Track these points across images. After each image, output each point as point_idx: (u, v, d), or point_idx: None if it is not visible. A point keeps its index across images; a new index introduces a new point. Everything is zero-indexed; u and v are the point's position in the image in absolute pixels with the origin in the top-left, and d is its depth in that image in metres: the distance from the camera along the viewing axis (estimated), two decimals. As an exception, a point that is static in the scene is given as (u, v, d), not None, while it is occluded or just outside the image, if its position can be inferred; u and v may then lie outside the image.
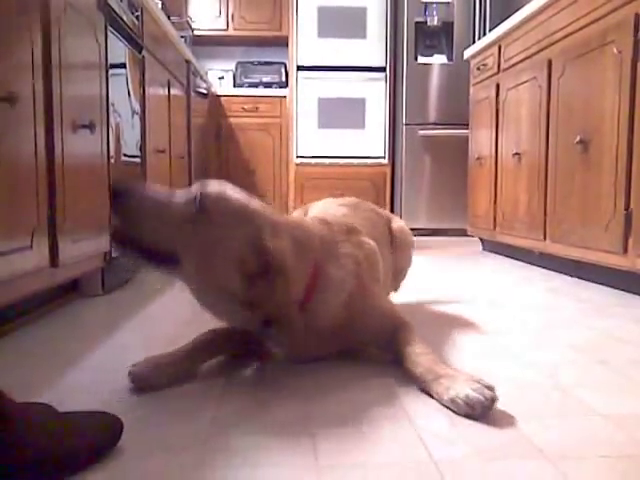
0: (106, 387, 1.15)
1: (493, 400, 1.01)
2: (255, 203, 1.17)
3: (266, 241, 1.09)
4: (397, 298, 1.99)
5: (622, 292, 2.29)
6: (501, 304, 2.12)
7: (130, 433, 0.94)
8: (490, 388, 1.02)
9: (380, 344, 1.33)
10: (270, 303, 1.09)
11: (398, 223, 1.82)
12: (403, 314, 1.37)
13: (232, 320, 1.23)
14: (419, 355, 1.17)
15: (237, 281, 1.08)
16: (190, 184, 4.09)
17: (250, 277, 1.08)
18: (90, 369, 1.31)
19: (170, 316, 1.89)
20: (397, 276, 1.80)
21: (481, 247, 4.01)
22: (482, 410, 1.00)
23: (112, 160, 2.21)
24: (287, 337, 1.21)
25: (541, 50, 2.87)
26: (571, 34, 2.56)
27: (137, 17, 2.66)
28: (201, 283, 1.13)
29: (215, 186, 1.13)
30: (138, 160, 2.65)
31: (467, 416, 1.00)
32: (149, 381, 1.14)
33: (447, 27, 4.91)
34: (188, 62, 4.09)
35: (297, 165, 5.21)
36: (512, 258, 3.43)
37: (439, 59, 4.98)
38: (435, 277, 2.86)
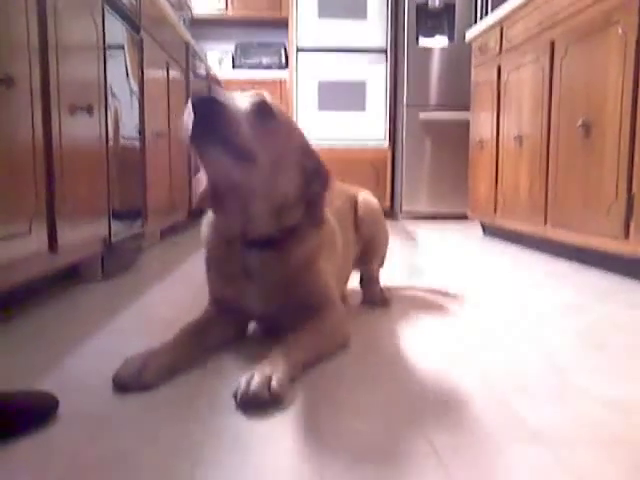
0: (105, 372, 1.14)
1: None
2: None
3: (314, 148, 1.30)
4: (394, 282, 1.99)
5: (623, 277, 2.28)
6: (500, 288, 2.12)
7: (125, 422, 0.94)
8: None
9: (301, 314, 1.30)
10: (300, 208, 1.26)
11: (362, 196, 1.80)
12: (336, 301, 1.37)
13: (250, 222, 1.25)
14: (288, 345, 1.16)
15: (297, 179, 1.25)
16: (190, 167, 4.02)
17: (307, 177, 1.26)
18: (89, 355, 1.31)
19: (169, 301, 1.89)
20: (370, 250, 1.78)
21: (482, 231, 4.00)
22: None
23: (111, 143, 2.19)
24: (265, 269, 1.28)
25: (544, 31, 2.84)
26: (575, 15, 2.53)
27: (135, -2, 2.62)
28: (270, 180, 1.20)
29: (264, 95, 1.22)
30: (137, 143, 2.63)
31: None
32: (139, 380, 1.07)
33: (449, 8, 4.86)
34: (187, 43, 4.05)
35: (297, 148, 5.17)
36: (513, 242, 3.42)
37: (440, 41, 4.93)
38: (434, 261, 2.85)
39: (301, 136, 1.29)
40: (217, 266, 1.36)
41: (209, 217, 1.35)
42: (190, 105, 1.06)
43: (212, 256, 1.37)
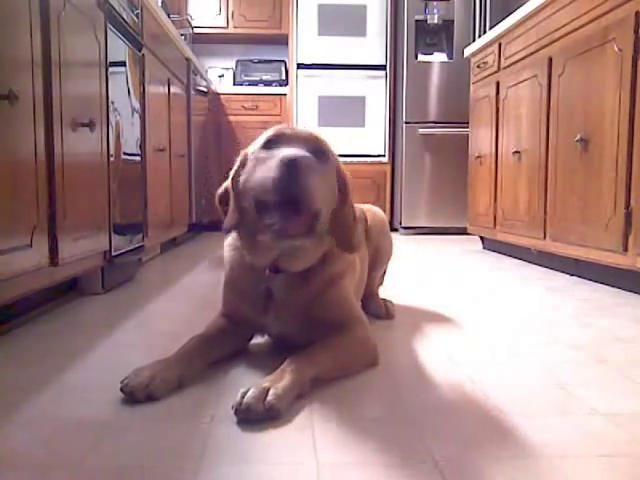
0: (106, 384, 1.15)
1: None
2: None
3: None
4: (396, 295, 1.99)
5: (622, 291, 2.29)
6: (501, 303, 2.12)
7: (127, 432, 0.94)
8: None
9: (323, 332, 1.29)
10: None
11: (369, 207, 1.83)
12: (360, 317, 1.36)
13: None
14: (299, 359, 1.14)
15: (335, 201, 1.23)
16: (190, 183, 4.05)
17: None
18: (90, 368, 1.31)
19: (169, 314, 1.89)
20: (376, 259, 1.78)
21: (481, 245, 4.01)
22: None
23: (112, 158, 2.21)
24: (289, 292, 1.27)
25: (541, 48, 2.87)
26: (572, 32, 2.56)
27: (137, 15, 2.65)
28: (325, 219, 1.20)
29: (310, 129, 1.24)
30: (138, 159, 2.65)
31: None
32: (147, 391, 1.08)
33: (447, 25, 4.91)
34: (188, 60, 4.09)
35: (297, 163, 5.20)
36: (512, 256, 3.43)
37: (439, 57, 4.98)
38: (434, 275, 2.86)
39: (336, 159, 1.28)
40: (237, 287, 1.35)
41: (233, 238, 1.34)
42: (278, 169, 1.06)
43: (233, 277, 1.36)
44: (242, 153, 1.28)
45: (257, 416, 0.98)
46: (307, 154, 1.11)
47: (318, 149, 1.18)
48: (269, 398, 0.99)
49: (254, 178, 1.16)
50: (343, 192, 1.26)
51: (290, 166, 1.05)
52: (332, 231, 1.25)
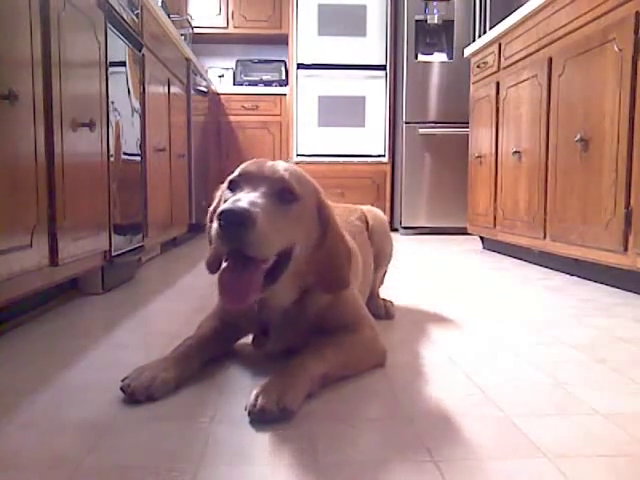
0: (106, 385, 1.15)
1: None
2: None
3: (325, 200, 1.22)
4: (396, 295, 2.00)
5: (622, 291, 2.29)
6: (501, 303, 2.12)
7: (127, 433, 0.94)
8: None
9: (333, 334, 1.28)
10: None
11: (369, 208, 1.82)
12: (367, 318, 1.36)
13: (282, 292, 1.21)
14: (307, 358, 1.13)
15: (315, 239, 1.19)
16: (190, 183, 4.03)
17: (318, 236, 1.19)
18: (89, 368, 1.31)
19: (169, 315, 1.89)
20: (377, 260, 1.77)
21: (481, 245, 4.00)
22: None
23: (112, 158, 2.21)
24: (284, 321, 1.24)
25: (541, 48, 2.87)
26: (572, 32, 2.56)
27: (137, 15, 2.65)
28: (302, 256, 1.16)
29: (282, 164, 1.16)
30: (138, 159, 2.65)
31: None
32: (148, 392, 1.08)
33: (447, 25, 4.91)
34: (188, 60, 4.09)
35: (297, 163, 5.21)
36: (512, 256, 3.43)
37: (439, 57, 4.98)
38: (434, 275, 2.86)
39: (316, 193, 1.20)
40: None
41: None
42: (217, 221, 1.00)
43: None
44: (221, 187, 1.23)
45: (271, 417, 0.97)
46: (257, 200, 1.04)
47: (283, 189, 1.11)
48: (283, 399, 0.99)
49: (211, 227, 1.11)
50: (324, 227, 1.19)
51: (226, 217, 0.99)
52: (313, 270, 1.19)
